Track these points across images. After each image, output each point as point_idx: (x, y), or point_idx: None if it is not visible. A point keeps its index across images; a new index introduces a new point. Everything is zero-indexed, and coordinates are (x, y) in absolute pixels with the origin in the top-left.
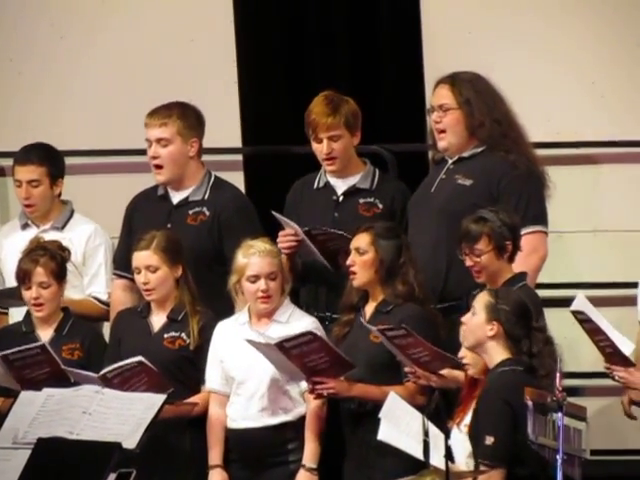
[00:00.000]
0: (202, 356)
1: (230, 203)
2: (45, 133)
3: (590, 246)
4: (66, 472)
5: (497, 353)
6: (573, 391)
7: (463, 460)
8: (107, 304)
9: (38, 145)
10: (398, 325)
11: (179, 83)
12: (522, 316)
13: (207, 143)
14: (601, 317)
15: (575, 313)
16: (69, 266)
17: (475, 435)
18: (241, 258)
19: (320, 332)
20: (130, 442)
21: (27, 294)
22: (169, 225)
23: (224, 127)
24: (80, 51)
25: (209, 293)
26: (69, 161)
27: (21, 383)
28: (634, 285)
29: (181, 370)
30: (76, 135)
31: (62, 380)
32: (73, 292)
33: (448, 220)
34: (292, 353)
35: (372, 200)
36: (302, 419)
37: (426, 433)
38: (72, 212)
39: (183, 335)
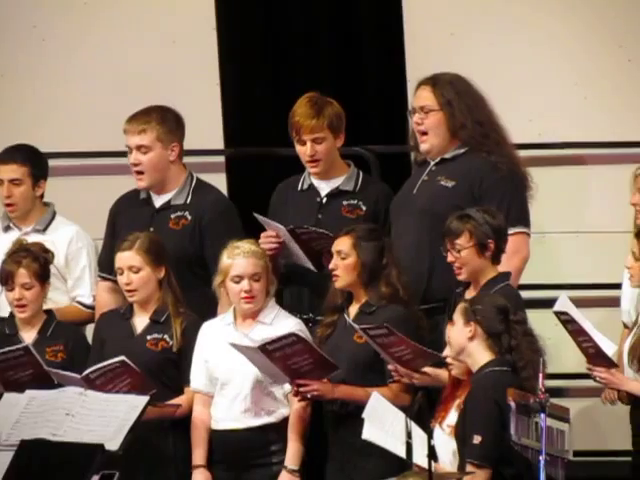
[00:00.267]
0: (185, 358)
1: (212, 207)
2: (28, 135)
3: (573, 247)
4: (49, 474)
5: (480, 355)
6: (556, 392)
7: (447, 460)
8: (92, 307)
9: (22, 146)
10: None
11: (161, 85)
12: (499, 311)
13: (189, 145)
14: (584, 318)
15: (558, 314)
16: (52, 268)
17: (462, 435)
18: (226, 259)
19: (304, 334)
20: (113, 444)
21: (10, 295)
22: (151, 229)
23: (206, 129)
24: (62, 53)
25: (191, 296)
26: (52, 163)
27: (4, 385)
28: (617, 286)
29: (164, 372)
30: (59, 137)
31: (45, 382)
32: (56, 294)
33: (430, 221)
34: (275, 355)
35: (355, 202)
36: (285, 421)
37: (409, 434)
38: (54, 214)
39: (166, 337)
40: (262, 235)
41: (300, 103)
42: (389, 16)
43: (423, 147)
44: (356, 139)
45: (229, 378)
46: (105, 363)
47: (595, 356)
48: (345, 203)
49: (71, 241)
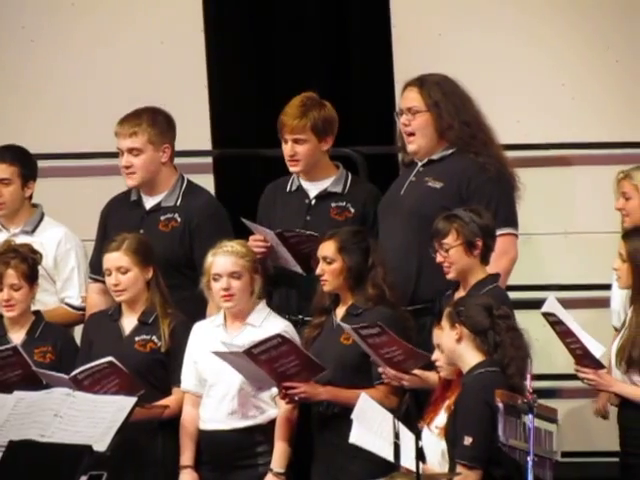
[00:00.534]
0: (173, 358)
1: (201, 210)
2: (16, 136)
3: (561, 248)
4: (37, 475)
5: (470, 356)
6: (545, 393)
7: (435, 460)
8: (80, 309)
9: (11, 146)
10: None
11: (149, 85)
12: (482, 309)
13: (177, 146)
14: (571, 319)
15: (546, 315)
16: (40, 270)
17: (452, 436)
18: (209, 258)
19: (291, 336)
20: (101, 445)
21: None
22: (142, 231)
23: (194, 130)
24: (51, 54)
25: (181, 297)
26: (40, 164)
27: None
28: (605, 287)
29: (152, 373)
30: (47, 138)
31: (34, 383)
32: (44, 295)
33: (418, 222)
34: (261, 359)
35: (344, 204)
36: (272, 422)
37: (397, 435)
38: (42, 216)
39: (154, 338)
40: (250, 238)
41: (292, 102)
42: (377, 17)
43: (410, 148)
44: (344, 140)
45: (217, 379)
46: (93, 364)
47: (583, 357)
48: (334, 205)
49: (60, 242)
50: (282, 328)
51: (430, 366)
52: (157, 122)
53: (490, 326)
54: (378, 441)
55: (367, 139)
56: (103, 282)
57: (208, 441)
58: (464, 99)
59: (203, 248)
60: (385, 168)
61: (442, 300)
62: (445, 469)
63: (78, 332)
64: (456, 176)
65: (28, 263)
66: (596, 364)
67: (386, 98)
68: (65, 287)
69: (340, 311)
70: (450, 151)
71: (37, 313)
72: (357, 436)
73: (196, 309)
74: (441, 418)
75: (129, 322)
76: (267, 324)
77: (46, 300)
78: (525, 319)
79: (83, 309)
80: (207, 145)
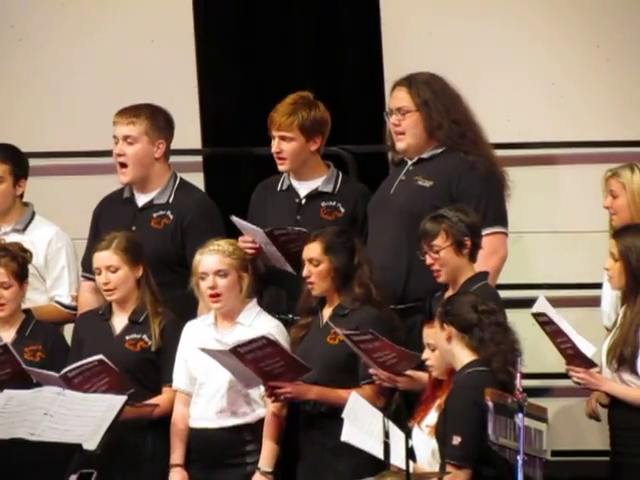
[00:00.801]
0: (163, 357)
1: (194, 207)
2: (6, 134)
3: (550, 247)
4: (27, 473)
5: (461, 354)
6: (535, 392)
7: (425, 460)
8: (70, 307)
9: (2, 144)
10: (355, 328)
11: (139, 84)
12: (468, 306)
13: None
14: (562, 320)
15: (536, 315)
16: (31, 268)
17: (443, 435)
18: (197, 257)
19: (280, 336)
20: (91, 443)
21: None
22: (134, 228)
23: (184, 128)
24: (40, 53)
25: (172, 295)
26: (32, 162)
27: None
28: (595, 286)
29: (142, 372)
30: (37, 137)
31: (24, 381)
32: (34, 294)
33: (408, 221)
34: (247, 358)
35: (334, 204)
36: (261, 421)
37: (387, 434)
38: (33, 214)
39: (145, 337)
40: (240, 239)
41: (285, 99)
42: (366, 16)
43: (399, 146)
44: (334, 139)
45: (207, 378)
46: (83, 362)
47: (574, 357)
48: (324, 205)
49: (50, 241)
50: (272, 328)
51: (422, 366)
52: (156, 117)
53: (476, 322)
54: (369, 440)
55: (357, 138)
56: (95, 280)
57: (197, 439)
58: (454, 98)
59: (195, 246)
60: (375, 167)
61: (432, 300)
62: (435, 468)
63: (68, 331)
64: (446, 175)
65: (18, 262)
66: (588, 363)
67: (376, 97)
68: (55, 286)
69: (327, 311)
70: (440, 150)
71: (27, 312)
72: (348, 435)
73: (187, 307)
74: (432, 417)
75: (120, 321)
76: (257, 323)
77: (36, 299)
78: (515, 318)
79: (73, 308)
80: (197, 144)
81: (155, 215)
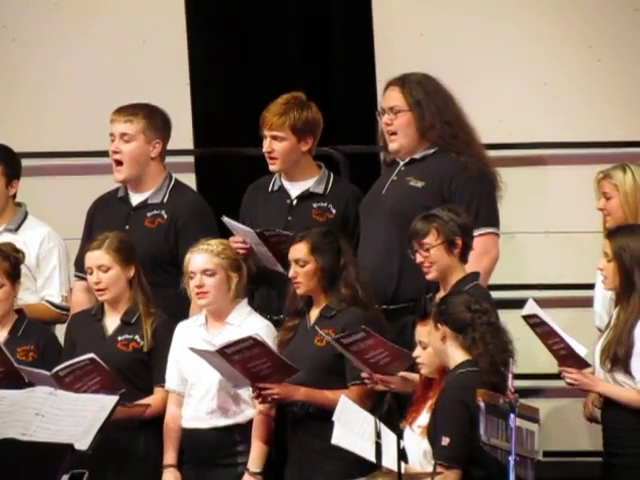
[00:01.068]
0: (155, 358)
1: (188, 207)
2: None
3: (542, 247)
4: (19, 473)
5: (455, 354)
6: (527, 392)
7: (417, 460)
8: (60, 307)
9: None
10: (341, 330)
11: (131, 84)
12: (462, 306)
13: None
14: (552, 321)
15: (527, 318)
16: (23, 268)
17: (434, 436)
18: (187, 256)
19: (269, 336)
20: (83, 443)
21: None
22: (127, 227)
23: (176, 129)
24: (32, 53)
25: (164, 295)
26: (25, 163)
27: None
28: (586, 287)
29: (134, 372)
30: (29, 137)
31: (16, 381)
32: (26, 294)
33: (399, 222)
34: (234, 359)
35: (325, 205)
36: (252, 422)
37: (378, 435)
38: (26, 214)
39: (137, 337)
40: (230, 240)
41: (278, 99)
42: (358, 16)
43: (392, 146)
44: (326, 139)
45: (198, 379)
46: (74, 360)
47: (567, 357)
48: (315, 206)
49: (42, 241)
50: (261, 328)
51: (413, 367)
52: (153, 117)
53: (469, 322)
54: (360, 442)
55: (349, 138)
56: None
57: (189, 439)
58: (446, 98)
59: (188, 246)
60: (367, 167)
61: (424, 301)
62: (427, 469)
63: (60, 331)
64: (438, 175)
65: (10, 261)
66: (581, 363)
67: (368, 97)
68: (46, 285)
69: (314, 313)
70: (432, 150)
71: (20, 312)
72: (339, 437)
73: (180, 307)
74: (423, 418)
75: (112, 322)
76: (247, 323)
77: (28, 299)
78: (507, 318)
79: (63, 308)
80: (189, 144)
81: (149, 214)
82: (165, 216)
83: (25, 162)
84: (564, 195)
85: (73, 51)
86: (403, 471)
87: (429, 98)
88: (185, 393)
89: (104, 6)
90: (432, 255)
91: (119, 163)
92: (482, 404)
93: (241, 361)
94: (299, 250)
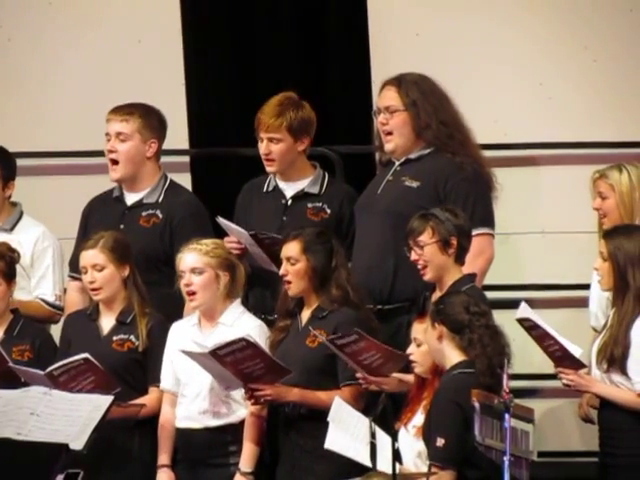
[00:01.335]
0: (150, 358)
1: (183, 208)
2: None
3: (538, 248)
4: (14, 473)
5: (451, 355)
6: (522, 393)
7: (411, 461)
8: (54, 306)
9: None
10: (333, 330)
11: (126, 84)
12: (461, 307)
13: None
14: (545, 323)
15: (521, 321)
16: (18, 268)
17: (428, 437)
18: (178, 255)
19: (261, 336)
20: (77, 443)
21: None
22: (122, 226)
23: (171, 128)
24: (28, 53)
25: (159, 294)
26: (21, 162)
27: None
28: (582, 287)
29: (129, 372)
30: (25, 137)
31: (11, 380)
32: (21, 294)
33: (395, 221)
34: (227, 360)
35: (320, 205)
36: (244, 422)
37: (373, 435)
38: (21, 214)
39: (132, 337)
40: (224, 240)
41: (270, 101)
42: (354, 16)
43: (388, 147)
44: (321, 139)
45: (190, 378)
46: (69, 360)
47: (562, 359)
48: (310, 206)
49: (37, 241)
50: (254, 328)
51: (407, 368)
52: (149, 116)
53: (467, 324)
54: (353, 444)
55: (344, 138)
56: (82, 280)
57: (182, 439)
58: (442, 98)
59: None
60: (362, 167)
61: (423, 298)
62: (421, 469)
63: (55, 331)
64: (433, 175)
65: (6, 261)
66: (577, 364)
67: (363, 97)
68: (39, 284)
69: (305, 314)
70: (427, 150)
71: (15, 311)
72: (332, 441)
73: (174, 307)
74: (418, 418)
75: (107, 322)
76: (239, 323)
77: (23, 298)
78: (502, 319)
79: (56, 307)
80: (184, 144)
81: (144, 214)
82: (160, 216)
83: (20, 162)
84: (559, 195)
85: (68, 51)
86: (398, 472)
87: (425, 98)
88: (178, 393)
89: (99, 6)
90: (426, 253)
91: (115, 162)
92: (477, 404)
93: (233, 362)
94: (291, 248)
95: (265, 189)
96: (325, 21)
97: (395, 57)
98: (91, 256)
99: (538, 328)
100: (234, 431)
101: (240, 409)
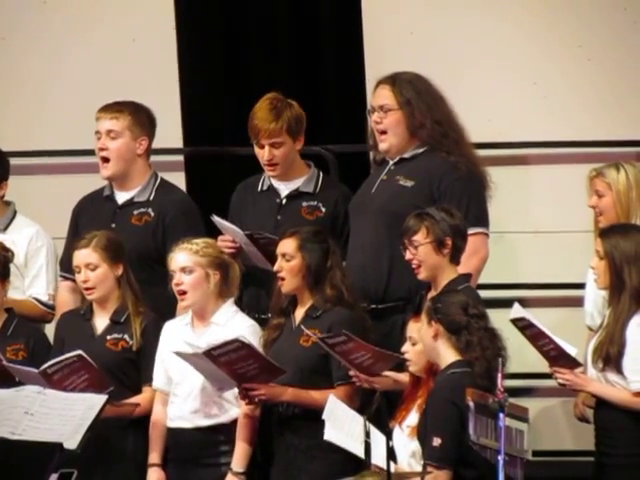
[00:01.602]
0: (144, 357)
1: (175, 206)
2: None
3: (532, 247)
4: (8, 473)
5: (446, 354)
6: (516, 392)
7: (405, 461)
8: (47, 305)
9: None
10: (327, 330)
11: (120, 83)
12: (459, 308)
13: None
14: (539, 323)
15: (515, 321)
16: (12, 267)
17: (423, 436)
18: (170, 255)
19: (254, 336)
20: (71, 442)
21: None
22: (113, 225)
23: (165, 128)
24: (22, 52)
25: (152, 293)
26: (14, 162)
27: None
28: (576, 286)
29: (124, 372)
30: (18, 136)
31: (5, 380)
32: (14, 293)
33: (389, 221)
34: (220, 361)
35: (315, 204)
36: (236, 422)
37: (367, 434)
38: (15, 213)
39: (126, 337)
40: (219, 239)
41: (260, 106)
42: (348, 15)
43: (382, 146)
44: (315, 138)
45: (182, 378)
46: (62, 357)
47: (557, 358)
48: (305, 204)
49: (31, 240)
50: (247, 328)
51: (401, 366)
52: (139, 114)
53: (465, 325)
54: (349, 441)
55: (338, 137)
56: (73, 280)
57: (174, 439)
58: (436, 98)
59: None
60: (356, 166)
61: (419, 297)
62: (415, 469)
63: (49, 331)
64: (427, 175)
65: (0, 261)
66: (572, 362)
67: (358, 96)
68: (33, 283)
69: (299, 313)
70: (422, 150)
71: (10, 311)
72: (331, 434)
73: (168, 306)
74: (413, 417)
75: (101, 321)
76: (232, 323)
77: (17, 297)
78: (496, 318)
79: (50, 306)
80: (178, 143)
81: (136, 212)
82: (152, 214)
83: (13, 161)
84: (554, 195)
85: (62, 50)
86: (392, 471)
87: (419, 97)
88: (170, 392)
89: (94, 5)
90: (420, 253)
91: (106, 160)
92: (471, 403)
93: (227, 363)
94: (287, 245)
95: (260, 188)
96: (319, 20)
97: (389, 56)
98: (84, 255)
99: (533, 327)
100: (226, 431)
101: (232, 409)
